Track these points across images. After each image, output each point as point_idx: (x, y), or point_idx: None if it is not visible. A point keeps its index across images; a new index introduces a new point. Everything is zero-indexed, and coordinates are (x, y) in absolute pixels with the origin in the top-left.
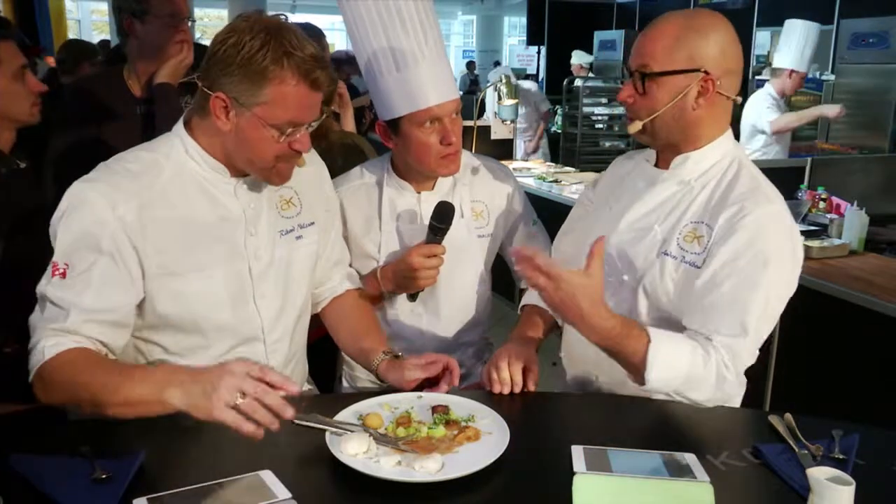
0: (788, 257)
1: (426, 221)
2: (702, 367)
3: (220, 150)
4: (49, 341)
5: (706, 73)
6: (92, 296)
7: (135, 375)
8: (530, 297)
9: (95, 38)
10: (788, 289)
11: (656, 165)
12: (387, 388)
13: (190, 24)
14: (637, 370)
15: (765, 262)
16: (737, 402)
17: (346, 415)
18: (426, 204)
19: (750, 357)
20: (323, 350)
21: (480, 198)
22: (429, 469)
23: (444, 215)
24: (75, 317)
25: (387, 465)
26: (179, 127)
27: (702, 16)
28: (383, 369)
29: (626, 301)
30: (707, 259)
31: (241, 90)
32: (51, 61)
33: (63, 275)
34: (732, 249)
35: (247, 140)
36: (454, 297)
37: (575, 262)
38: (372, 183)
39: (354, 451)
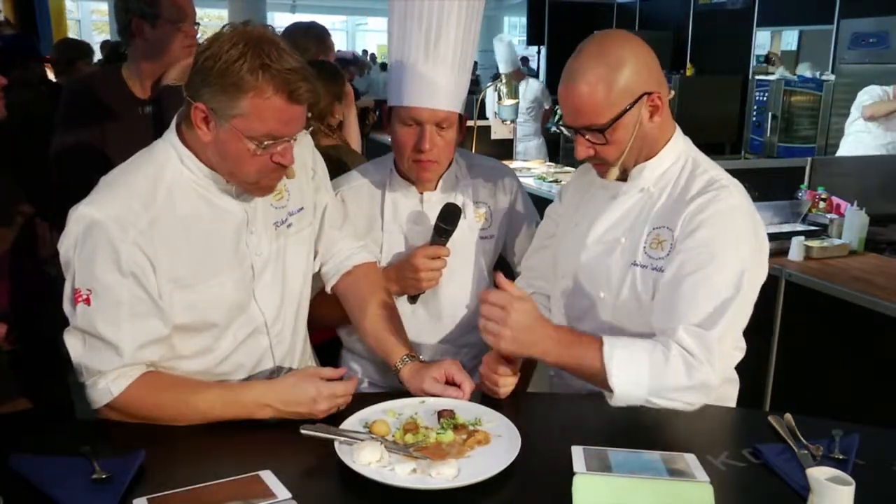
0: (749, 240)
1: (429, 222)
2: (663, 361)
3: (208, 156)
4: (110, 377)
5: (648, 93)
6: (130, 329)
7: (216, 405)
8: None
9: (95, 38)
10: (757, 271)
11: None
12: (386, 391)
13: (196, 26)
14: (602, 379)
15: (727, 253)
16: (731, 401)
17: (351, 423)
18: (429, 204)
19: (723, 345)
20: (324, 350)
21: (483, 199)
22: (446, 475)
23: (450, 217)
24: (128, 352)
25: (402, 473)
26: (173, 135)
27: (612, 47)
28: (406, 375)
29: (605, 319)
30: (671, 258)
31: (218, 101)
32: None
33: (87, 301)
34: (694, 244)
35: (227, 152)
36: (456, 298)
37: (545, 281)
38: (375, 182)
39: (367, 459)
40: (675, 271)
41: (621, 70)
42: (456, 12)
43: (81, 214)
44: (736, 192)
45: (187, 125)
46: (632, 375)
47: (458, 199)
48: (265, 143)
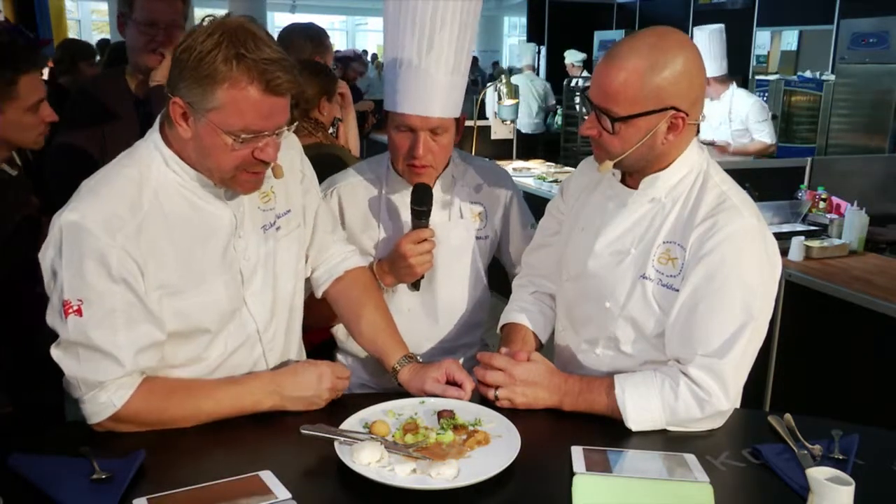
0: (761, 263)
1: None
2: (673, 398)
3: (189, 155)
4: (110, 388)
5: (676, 109)
6: (126, 336)
7: (224, 403)
8: (508, 316)
9: (95, 38)
10: (769, 293)
11: (623, 181)
12: (384, 391)
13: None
14: (618, 418)
15: (739, 279)
16: None
17: (351, 423)
18: None
19: (737, 376)
20: (318, 352)
21: (479, 199)
22: (446, 476)
23: (422, 198)
24: (127, 360)
25: (402, 473)
26: (156, 136)
27: (666, 47)
28: (405, 377)
29: (610, 328)
30: (683, 281)
31: (194, 94)
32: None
33: (79, 312)
34: (706, 270)
35: (205, 147)
36: (451, 299)
37: (548, 280)
38: (371, 180)
39: (367, 460)
40: (687, 299)
41: (663, 73)
42: (451, 16)
43: (66, 221)
44: (746, 211)
45: (169, 124)
46: (646, 414)
47: (454, 199)
48: (242, 136)
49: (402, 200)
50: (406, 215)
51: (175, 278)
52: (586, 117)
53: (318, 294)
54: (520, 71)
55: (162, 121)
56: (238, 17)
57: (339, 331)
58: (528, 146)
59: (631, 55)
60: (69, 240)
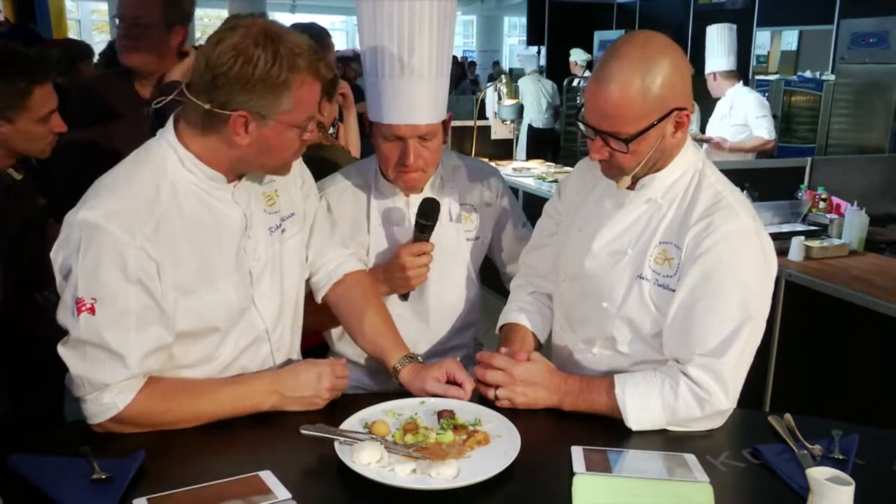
0: (757, 263)
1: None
2: (673, 397)
3: (223, 159)
4: (114, 390)
5: (678, 109)
6: (137, 338)
7: (225, 404)
8: (507, 316)
9: (95, 38)
10: (765, 292)
11: None
12: (381, 390)
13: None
14: (618, 418)
15: (736, 278)
16: None
17: (351, 423)
18: (414, 207)
19: (736, 375)
20: (311, 355)
21: (469, 201)
22: (446, 476)
23: (429, 212)
24: (134, 362)
25: (402, 473)
26: (171, 136)
27: (653, 55)
28: (406, 377)
29: (607, 328)
30: (679, 281)
31: (263, 104)
32: None
33: (91, 310)
34: (702, 270)
35: (270, 147)
36: (443, 300)
37: (546, 280)
38: (359, 185)
39: (367, 460)
40: (684, 299)
41: (658, 82)
42: (428, 20)
43: (84, 219)
44: (742, 210)
45: (197, 131)
46: (646, 413)
47: (444, 200)
48: (307, 125)
49: (391, 206)
50: (396, 223)
51: (189, 278)
52: (587, 140)
53: (319, 298)
54: (523, 74)
55: (177, 119)
56: (260, 19)
57: (332, 333)
58: (539, 140)
59: (623, 74)
60: (87, 238)
